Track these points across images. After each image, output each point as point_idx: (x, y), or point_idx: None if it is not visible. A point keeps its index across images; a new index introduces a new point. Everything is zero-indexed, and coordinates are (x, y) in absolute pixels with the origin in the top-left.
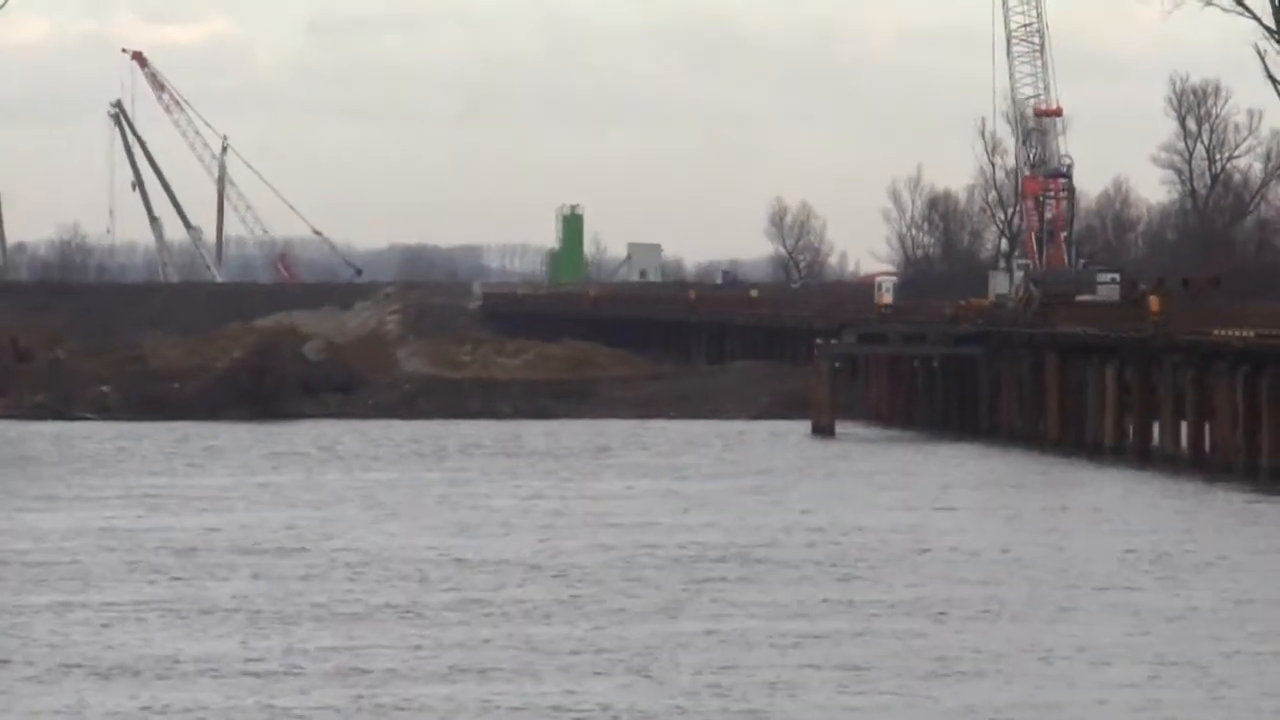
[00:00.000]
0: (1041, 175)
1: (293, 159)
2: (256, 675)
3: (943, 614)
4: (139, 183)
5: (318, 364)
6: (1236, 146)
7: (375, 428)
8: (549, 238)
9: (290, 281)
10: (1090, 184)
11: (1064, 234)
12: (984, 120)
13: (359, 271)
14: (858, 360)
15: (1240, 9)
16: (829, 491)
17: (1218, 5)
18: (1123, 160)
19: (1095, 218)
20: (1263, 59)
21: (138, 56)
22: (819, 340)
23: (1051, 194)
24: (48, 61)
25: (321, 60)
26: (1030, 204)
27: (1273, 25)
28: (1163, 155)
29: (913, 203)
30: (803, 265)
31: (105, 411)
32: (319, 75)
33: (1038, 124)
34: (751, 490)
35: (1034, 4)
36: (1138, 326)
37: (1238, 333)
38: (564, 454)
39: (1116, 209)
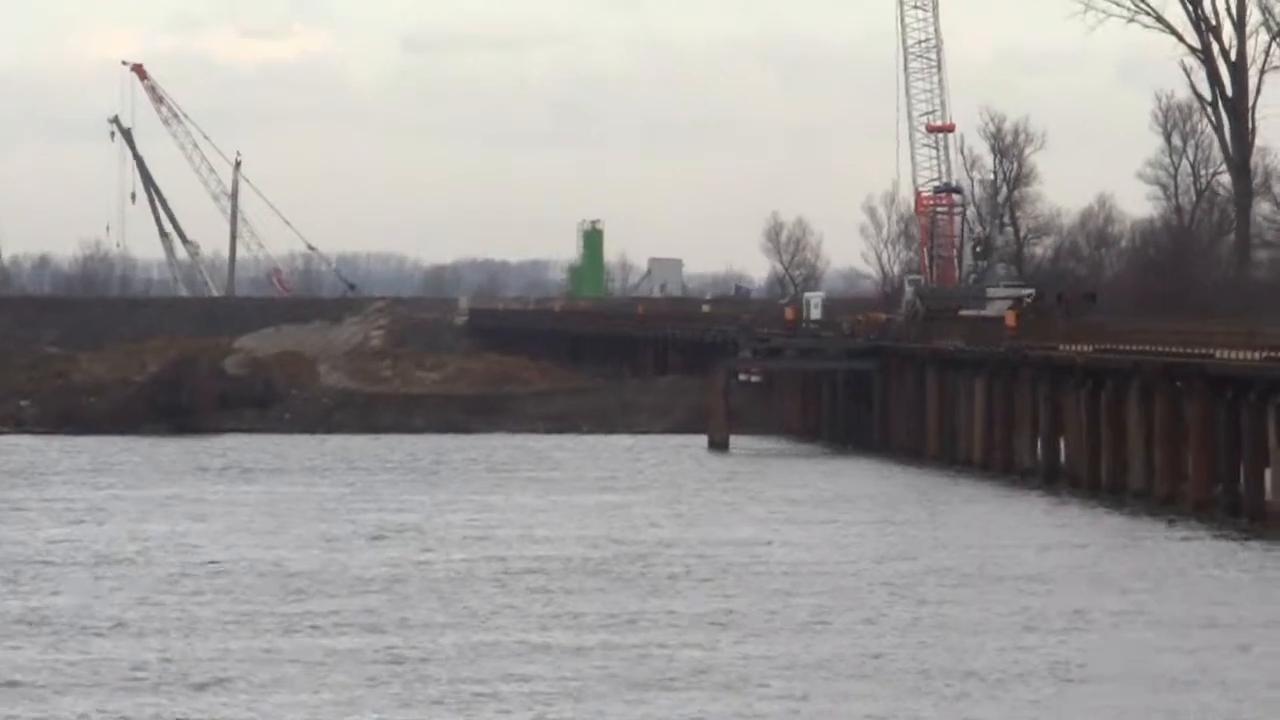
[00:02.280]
0: (931, 191)
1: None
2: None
3: (719, 625)
4: (152, 197)
5: (237, 379)
6: (1221, 163)
7: (288, 442)
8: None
9: (285, 296)
10: (1076, 199)
11: (955, 249)
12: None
13: (352, 287)
14: (774, 376)
15: (1161, 25)
16: (692, 506)
17: (1140, 23)
18: (1106, 176)
19: (1079, 233)
20: (1188, 75)
21: (138, 69)
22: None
23: (944, 209)
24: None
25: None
26: (923, 219)
27: (1195, 43)
28: (1148, 171)
29: (888, 217)
30: (798, 280)
31: (22, 425)
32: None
33: (931, 140)
34: (617, 505)
35: (931, 20)
36: (1001, 342)
37: (1079, 348)
38: (459, 468)
39: (1099, 224)
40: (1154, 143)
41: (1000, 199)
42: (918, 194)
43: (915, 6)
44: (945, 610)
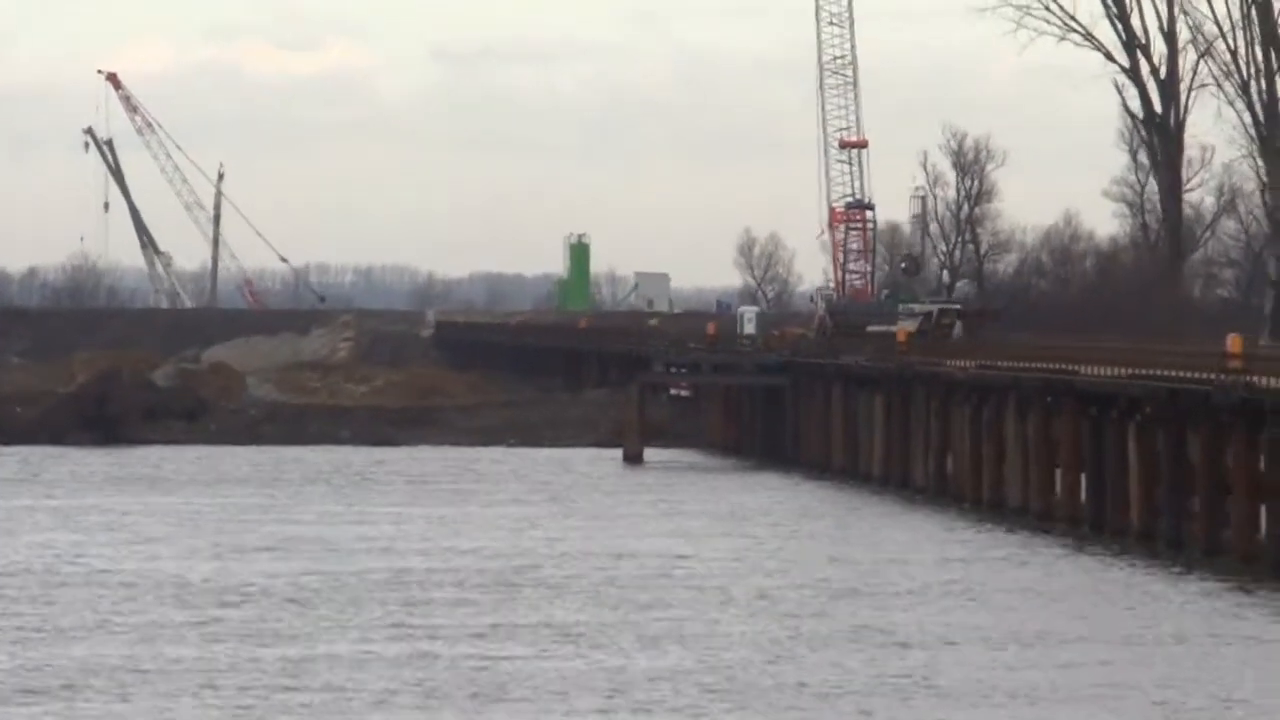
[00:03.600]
0: (844, 207)
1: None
2: None
3: (571, 637)
4: (132, 209)
5: (165, 390)
6: (1188, 180)
7: (213, 453)
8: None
9: (257, 308)
10: (1041, 216)
11: (868, 265)
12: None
13: (322, 299)
14: (701, 390)
15: (1091, 43)
16: (590, 519)
17: (1071, 41)
18: (1074, 193)
19: (1043, 250)
20: (1120, 93)
21: (112, 78)
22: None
23: (857, 225)
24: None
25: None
26: (837, 235)
27: (1124, 62)
28: (1114, 189)
29: (846, 234)
30: (770, 295)
31: None
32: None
33: (844, 155)
34: (518, 517)
35: (847, 37)
36: (899, 358)
37: (963, 364)
38: (376, 480)
39: (1065, 242)
40: (1121, 160)
41: (962, 216)
42: (831, 209)
43: (831, 23)
44: (807, 624)
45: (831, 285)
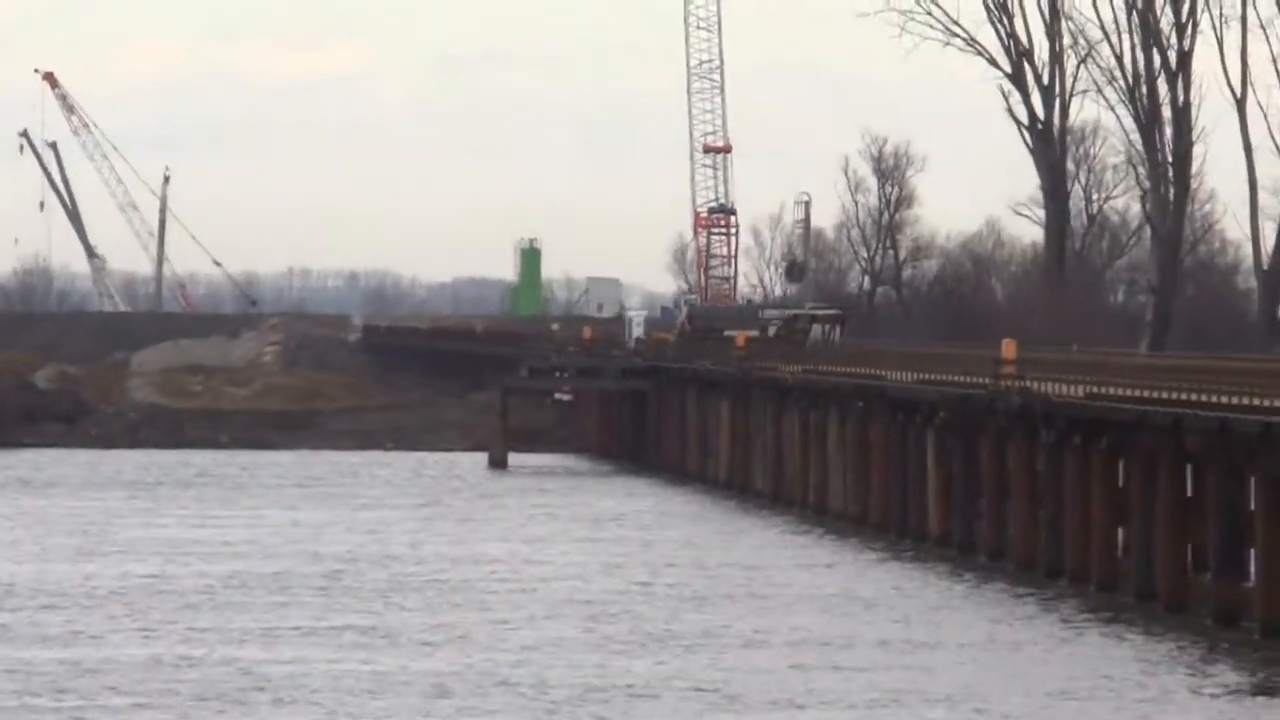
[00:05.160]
0: (707, 211)
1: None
2: None
3: (365, 642)
4: (76, 212)
5: (45, 393)
6: (1114, 187)
7: (89, 457)
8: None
9: (189, 311)
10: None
11: (731, 270)
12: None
13: (254, 303)
14: (580, 394)
15: (975, 49)
16: (436, 523)
17: (955, 46)
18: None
19: (967, 258)
20: (1006, 98)
21: (49, 77)
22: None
23: (720, 230)
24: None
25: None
26: (700, 240)
27: (1008, 68)
28: (1040, 195)
29: (771, 239)
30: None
31: None
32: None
33: (709, 160)
34: (372, 521)
35: (714, 41)
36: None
37: (792, 370)
38: (241, 484)
39: (987, 249)
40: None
41: (883, 222)
42: (695, 214)
43: (699, 27)
44: (609, 626)
45: (694, 290)
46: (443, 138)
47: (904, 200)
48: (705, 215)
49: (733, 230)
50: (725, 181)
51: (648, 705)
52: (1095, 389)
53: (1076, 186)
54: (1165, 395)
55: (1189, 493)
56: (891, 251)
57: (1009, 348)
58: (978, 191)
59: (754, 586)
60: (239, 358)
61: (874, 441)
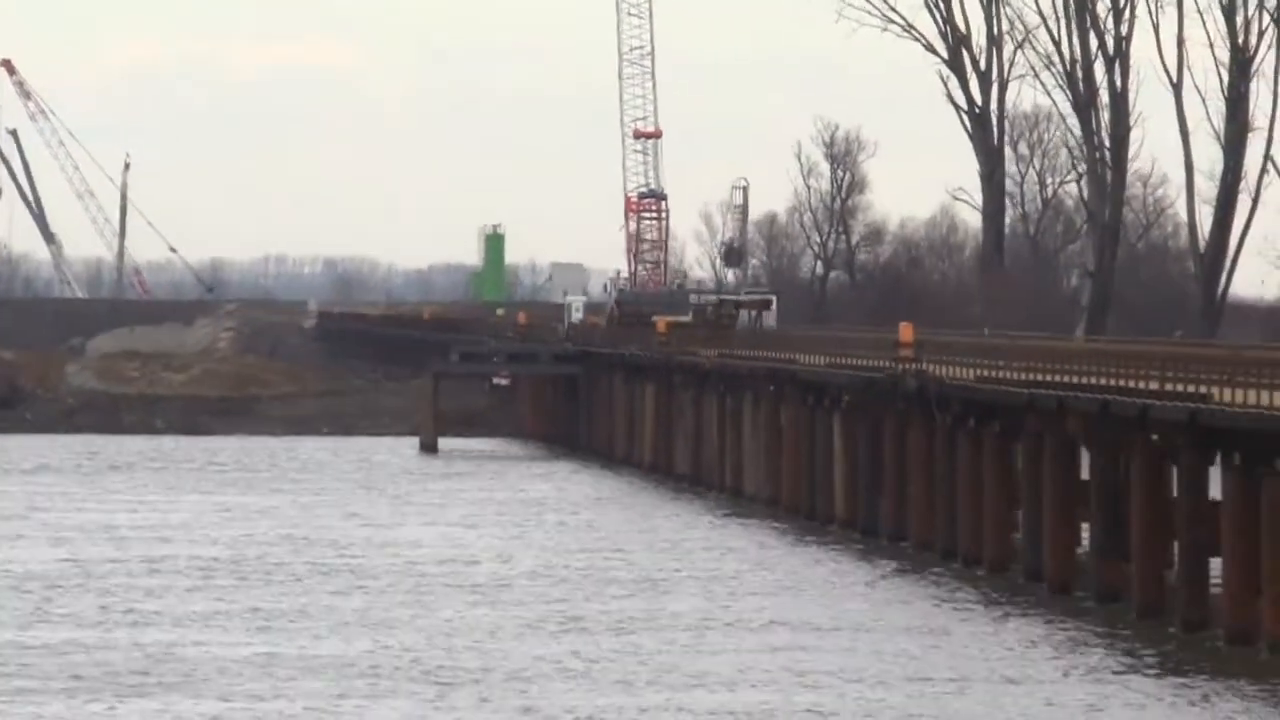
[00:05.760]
0: (638, 196)
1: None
2: None
3: (257, 625)
4: (38, 198)
5: None
6: (1068, 172)
7: (22, 442)
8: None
9: (145, 297)
10: (920, 208)
11: (660, 254)
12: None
13: (210, 289)
14: (517, 379)
15: (912, 34)
16: (347, 507)
17: (893, 31)
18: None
19: (924, 242)
20: (945, 83)
21: (6, 65)
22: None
23: (650, 215)
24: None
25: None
26: (630, 225)
27: (945, 53)
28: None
29: (723, 224)
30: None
31: None
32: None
33: (640, 145)
34: (292, 506)
35: (646, 27)
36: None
37: (710, 354)
38: (171, 469)
39: (943, 233)
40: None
41: (835, 207)
42: (627, 199)
43: (631, 14)
44: (515, 609)
45: (625, 275)
46: (420, 127)
47: (856, 185)
48: (635, 200)
49: (663, 215)
50: (656, 167)
51: (542, 686)
52: (987, 372)
53: (1031, 171)
54: (1052, 379)
55: (1078, 475)
56: (844, 236)
57: (905, 331)
58: (929, 176)
59: (661, 570)
60: (194, 344)
61: (785, 425)
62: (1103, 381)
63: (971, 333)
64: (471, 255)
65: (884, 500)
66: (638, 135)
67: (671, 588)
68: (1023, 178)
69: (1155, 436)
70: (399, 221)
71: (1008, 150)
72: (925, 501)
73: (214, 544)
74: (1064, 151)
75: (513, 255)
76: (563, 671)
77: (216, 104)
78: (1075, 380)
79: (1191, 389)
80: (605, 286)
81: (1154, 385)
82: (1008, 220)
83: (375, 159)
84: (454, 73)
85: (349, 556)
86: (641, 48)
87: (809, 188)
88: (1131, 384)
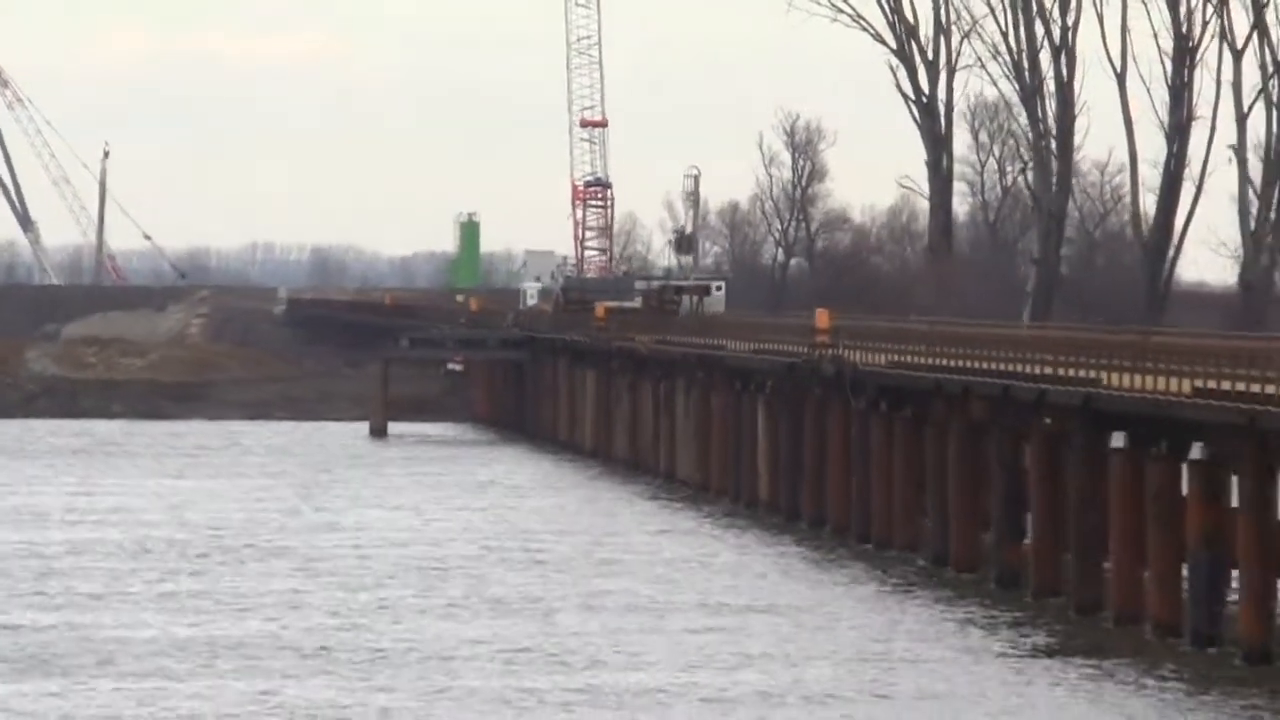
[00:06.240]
0: (584, 184)
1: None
2: None
3: (169, 606)
4: (16, 184)
5: None
6: (1028, 161)
7: None
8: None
9: (119, 283)
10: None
11: (607, 241)
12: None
13: (183, 275)
14: (470, 365)
15: (861, 25)
16: (291, 490)
17: (842, 22)
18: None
19: (885, 229)
20: (894, 73)
21: None
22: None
23: (597, 203)
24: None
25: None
26: (577, 212)
27: (893, 44)
28: (956, 168)
29: (684, 212)
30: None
31: None
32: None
33: (586, 134)
34: (222, 490)
35: (594, 18)
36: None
37: (645, 340)
38: (129, 453)
39: (903, 221)
40: (963, 139)
41: (796, 195)
42: (573, 186)
43: (579, 4)
44: (446, 590)
45: (572, 262)
46: (403, 117)
47: (816, 174)
48: (582, 188)
49: (609, 203)
50: (602, 155)
51: (465, 666)
52: (898, 358)
53: (991, 160)
54: (958, 364)
55: (983, 459)
56: (804, 224)
57: (821, 317)
58: (888, 165)
59: (589, 554)
60: (166, 330)
61: (714, 410)
62: (1003, 368)
63: (916, 319)
64: (449, 243)
65: (804, 484)
66: (585, 124)
67: (599, 571)
68: (983, 166)
69: (1048, 420)
70: (384, 210)
71: (969, 139)
72: (842, 485)
73: (155, 526)
74: (1024, 141)
75: (490, 243)
76: (484, 652)
77: (202, 94)
78: (980, 366)
79: (1086, 374)
80: (552, 274)
81: (1049, 371)
82: (968, 208)
83: (361, 149)
84: (434, 61)
85: (285, 538)
86: (589, 38)
87: (770, 176)
88: (1031, 369)
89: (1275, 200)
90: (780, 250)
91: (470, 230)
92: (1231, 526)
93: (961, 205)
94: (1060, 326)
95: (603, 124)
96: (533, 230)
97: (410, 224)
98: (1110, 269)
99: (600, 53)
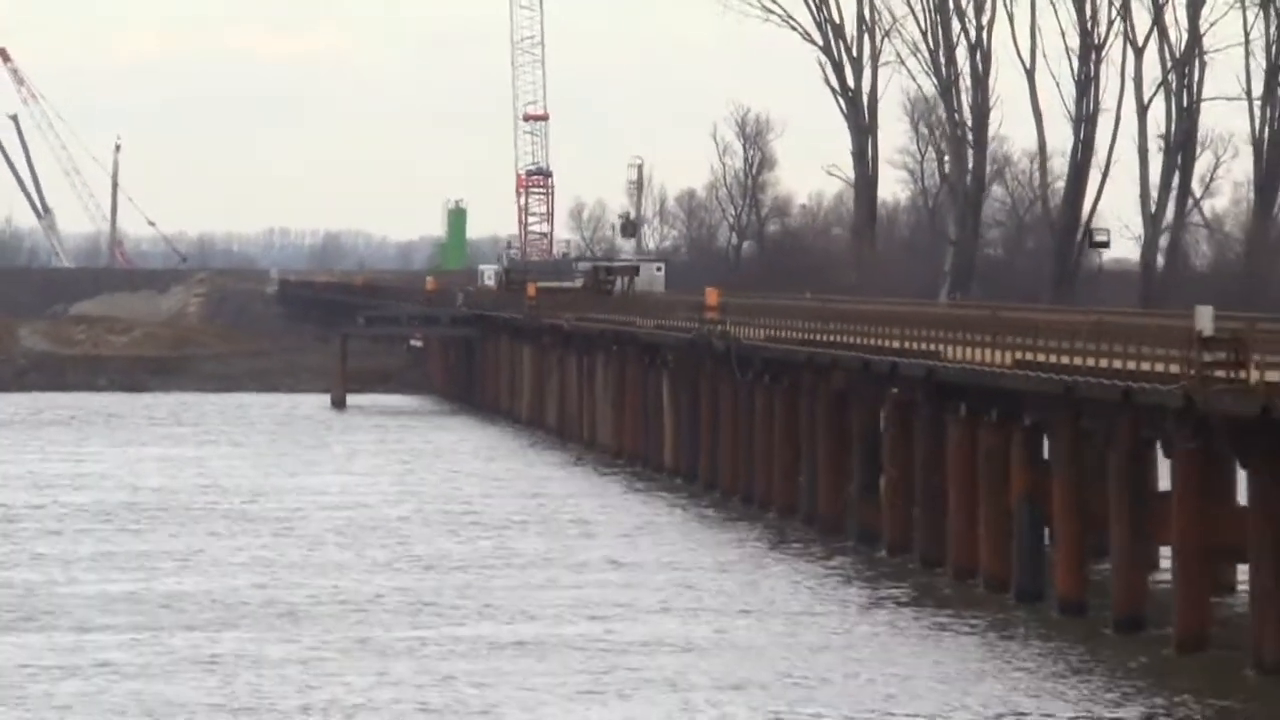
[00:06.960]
0: (526, 174)
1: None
2: None
3: (106, 565)
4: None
5: None
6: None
7: None
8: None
9: (125, 267)
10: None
11: (549, 225)
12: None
13: (184, 258)
14: (429, 341)
15: (790, 23)
16: (249, 457)
17: (773, 22)
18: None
19: (830, 214)
20: (823, 69)
21: (1, 52)
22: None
23: (539, 190)
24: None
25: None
26: (520, 199)
27: (820, 41)
28: (897, 157)
29: (528, 196)
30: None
31: None
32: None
33: (530, 127)
34: (185, 456)
35: (537, 18)
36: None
37: (566, 318)
38: (109, 423)
39: (849, 207)
40: (903, 131)
41: (747, 183)
42: (518, 175)
43: (523, 6)
44: (370, 551)
45: (515, 245)
46: (415, 110)
47: (765, 163)
48: (525, 177)
49: (550, 191)
50: (544, 147)
51: (378, 617)
52: (775, 332)
53: (930, 150)
54: (828, 339)
55: (848, 426)
56: (754, 210)
57: (711, 295)
58: (830, 154)
59: (512, 515)
60: (166, 310)
61: (628, 382)
62: (864, 341)
63: (810, 297)
64: (441, 228)
65: (701, 451)
66: (528, 118)
67: (515, 531)
68: (922, 155)
69: (895, 390)
70: (389, 197)
71: (909, 130)
72: (731, 452)
73: (111, 490)
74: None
75: (478, 229)
76: (404, 605)
77: (219, 88)
78: (848, 340)
79: (929, 347)
80: (498, 255)
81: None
82: (908, 195)
83: (373, 139)
84: (434, 59)
85: (232, 501)
86: (532, 37)
87: (724, 165)
88: (889, 344)
89: (1175, 184)
90: (734, 234)
91: (458, 217)
92: (1049, 487)
93: (904, 192)
94: (985, 304)
95: (544, 118)
96: (514, 217)
97: (412, 210)
98: (1038, 252)
99: (543, 51)
